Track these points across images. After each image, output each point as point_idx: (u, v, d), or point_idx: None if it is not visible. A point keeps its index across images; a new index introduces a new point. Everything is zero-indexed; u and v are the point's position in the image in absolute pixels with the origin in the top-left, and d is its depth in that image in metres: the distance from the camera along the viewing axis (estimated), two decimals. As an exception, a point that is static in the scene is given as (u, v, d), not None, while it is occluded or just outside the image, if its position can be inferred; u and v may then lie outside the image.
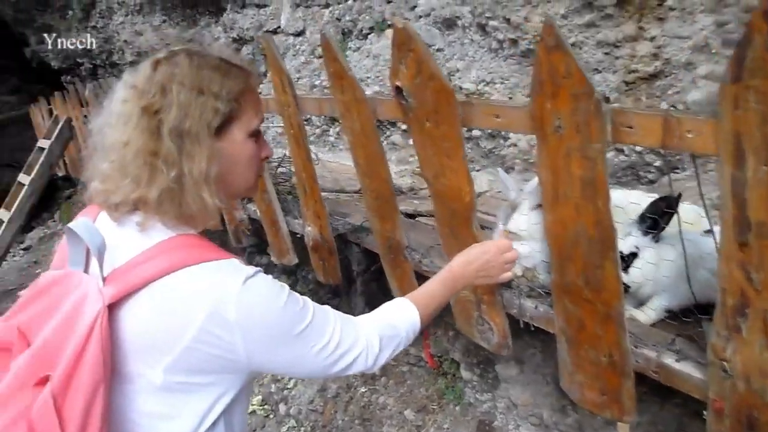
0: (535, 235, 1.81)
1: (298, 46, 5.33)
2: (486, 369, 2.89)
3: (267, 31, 5.62)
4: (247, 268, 1.04)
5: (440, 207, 1.96)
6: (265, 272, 1.09)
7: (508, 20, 3.19)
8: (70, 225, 1.06)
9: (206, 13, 6.67)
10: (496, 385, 2.76)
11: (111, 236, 1.06)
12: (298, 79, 5.25)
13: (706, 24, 2.61)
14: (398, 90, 1.86)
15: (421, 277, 2.37)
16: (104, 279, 1.01)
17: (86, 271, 1.07)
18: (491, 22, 3.31)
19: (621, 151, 2.94)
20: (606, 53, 2.92)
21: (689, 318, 1.63)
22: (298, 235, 2.96)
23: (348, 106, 2.09)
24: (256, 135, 1.17)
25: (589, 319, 1.65)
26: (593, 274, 1.57)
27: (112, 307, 0.99)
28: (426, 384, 3.19)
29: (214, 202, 1.07)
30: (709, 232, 1.69)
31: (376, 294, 2.98)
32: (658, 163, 2.88)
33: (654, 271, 1.69)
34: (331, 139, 5.13)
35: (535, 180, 2.03)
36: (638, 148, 2.91)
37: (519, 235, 1.85)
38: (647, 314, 1.76)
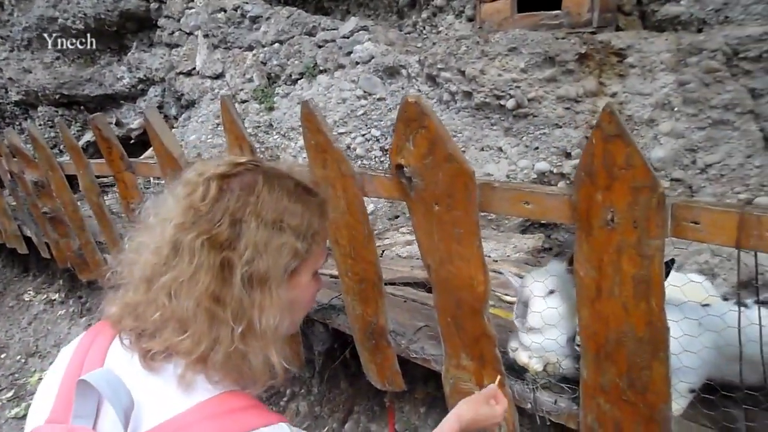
0: (551, 324, 1.66)
1: (216, 90, 4.99)
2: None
3: (180, 73, 5.23)
4: None
5: (443, 296, 1.76)
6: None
7: (462, 72, 3.08)
8: (87, 377, 0.80)
9: (107, 50, 6.17)
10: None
11: (135, 384, 0.82)
12: (217, 125, 4.91)
13: (667, 82, 2.63)
14: (399, 168, 1.65)
15: (406, 364, 2.15)
16: None
17: (95, 427, 0.81)
18: (443, 74, 3.20)
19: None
20: (567, 108, 2.88)
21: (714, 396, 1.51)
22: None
23: (331, 182, 1.85)
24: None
25: (628, 422, 1.51)
26: (639, 375, 1.43)
27: None
28: (390, 465, 2.93)
29: (280, 363, 0.87)
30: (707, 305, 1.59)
31: (336, 377, 2.72)
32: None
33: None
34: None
35: (534, 271, 1.87)
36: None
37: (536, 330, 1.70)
38: (677, 402, 1.63)
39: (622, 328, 1.39)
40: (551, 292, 1.69)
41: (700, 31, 2.97)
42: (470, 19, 3.80)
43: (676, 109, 2.67)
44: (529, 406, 1.76)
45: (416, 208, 1.67)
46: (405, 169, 1.64)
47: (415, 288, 2.77)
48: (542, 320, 1.67)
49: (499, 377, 1.66)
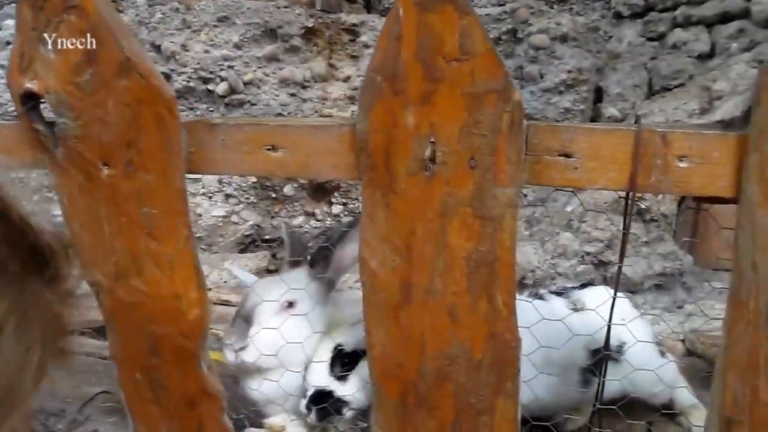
0: (293, 358, 1.15)
1: None
2: None
3: None
4: None
5: (126, 335, 1.02)
6: None
7: (157, 47, 2.34)
8: None
9: None
10: None
11: None
12: None
13: (405, 65, 2.29)
14: (28, 99, 0.89)
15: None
16: None
17: None
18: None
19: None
20: (292, 94, 2.34)
21: None
22: None
23: None
24: None
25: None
26: (474, 425, 0.88)
27: None
28: None
29: None
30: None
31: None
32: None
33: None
34: None
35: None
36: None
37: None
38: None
39: (448, 350, 0.84)
40: (290, 304, 1.17)
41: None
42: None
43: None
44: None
45: (70, 174, 0.91)
46: (41, 100, 0.87)
47: (98, 337, 1.93)
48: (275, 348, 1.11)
49: None
